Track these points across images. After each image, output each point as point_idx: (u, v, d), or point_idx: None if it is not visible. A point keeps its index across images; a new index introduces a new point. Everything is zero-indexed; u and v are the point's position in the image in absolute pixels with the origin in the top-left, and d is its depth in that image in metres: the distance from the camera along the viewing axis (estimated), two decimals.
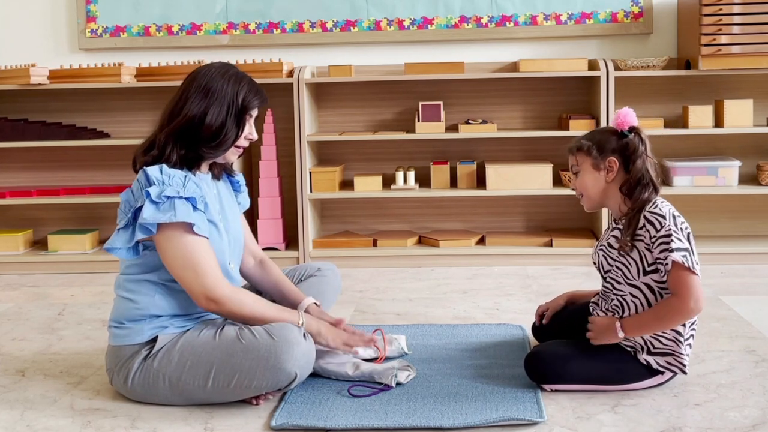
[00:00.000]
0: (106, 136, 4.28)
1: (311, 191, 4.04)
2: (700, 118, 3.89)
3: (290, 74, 4.05)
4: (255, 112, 2.32)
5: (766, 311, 3.05)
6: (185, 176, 2.20)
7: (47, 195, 4.15)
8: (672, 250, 2.13)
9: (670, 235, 2.14)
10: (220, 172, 2.41)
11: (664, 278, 2.18)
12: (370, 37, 4.19)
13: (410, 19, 4.17)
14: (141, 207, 2.15)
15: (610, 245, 2.30)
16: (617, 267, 2.27)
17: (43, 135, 4.09)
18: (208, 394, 2.17)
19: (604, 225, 3.84)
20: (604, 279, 2.34)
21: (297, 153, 3.99)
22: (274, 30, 4.21)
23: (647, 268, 2.21)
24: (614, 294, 2.29)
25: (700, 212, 4.18)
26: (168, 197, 2.14)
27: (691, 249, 2.17)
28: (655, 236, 2.17)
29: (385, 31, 4.18)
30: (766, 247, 3.92)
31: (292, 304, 2.44)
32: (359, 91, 4.22)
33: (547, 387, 2.25)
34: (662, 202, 2.23)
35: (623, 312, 2.26)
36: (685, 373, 2.25)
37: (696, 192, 3.94)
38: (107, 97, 4.28)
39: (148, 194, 2.14)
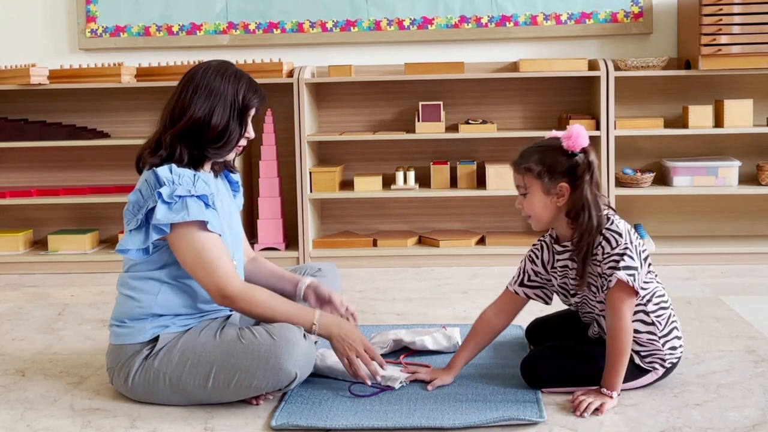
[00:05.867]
0: (106, 136, 4.28)
1: (311, 191, 4.03)
2: (700, 118, 3.89)
3: (290, 74, 4.05)
4: (254, 111, 2.32)
5: (766, 311, 3.05)
6: (194, 174, 2.20)
7: (47, 195, 4.14)
8: (619, 269, 2.11)
9: (623, 254, 2.12)
10: (221, 168, 2.41)
11: (604, 292, 2.16)
12: (370, 37, 4.19)
13: (410, 19, 4.17)
14: (153, 208, 2.15)
15: (566, 270, 2.28)
16: (581, 294, 2.28)
17: (43, 135, 4.09)
18: (208, 393, 2.17)
19: None
20: (572, 296, 2.33)
21: (297, 153, 3.99)
22: (274, 30, 4.21)
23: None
24: (585, 313, 2.32)
25: (700, 212, 4.18)
26: (180, 197, 2.14)
27: (640, 268, 2.14)
28: (608, 253, 2.14)
29: (385, 31, 4.18)
30: (766, 247, 3.92)
31: (292, 284, 2.48)
32: (359, 91, 4.22)
33: (544, 390, 2.25)
34: (618, 219, 2.20)
35: (598, 326, 2.29)
36: (665, 368, 2.25)
37: (696, 192, 3.95)
38: (107, 97, 4.28)
39: (159, 195, 2.14)
